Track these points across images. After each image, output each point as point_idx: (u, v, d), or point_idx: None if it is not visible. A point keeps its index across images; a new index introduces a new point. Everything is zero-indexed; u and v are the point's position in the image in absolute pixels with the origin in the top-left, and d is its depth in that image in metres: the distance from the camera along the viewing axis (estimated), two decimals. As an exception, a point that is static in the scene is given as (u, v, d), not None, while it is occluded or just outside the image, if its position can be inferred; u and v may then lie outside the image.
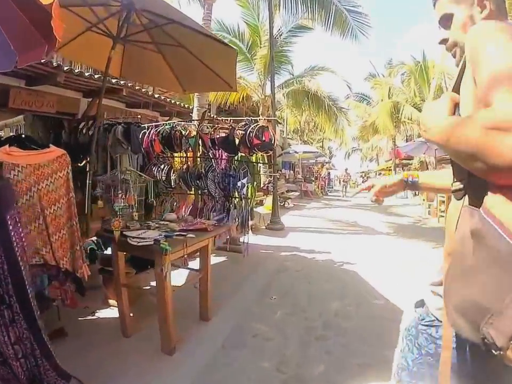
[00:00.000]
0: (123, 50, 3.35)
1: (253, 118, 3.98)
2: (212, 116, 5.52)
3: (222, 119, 4.08)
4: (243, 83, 11.08)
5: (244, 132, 3.86)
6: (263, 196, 9.41)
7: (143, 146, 4.23)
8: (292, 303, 3.24)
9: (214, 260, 4.44)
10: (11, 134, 5.45)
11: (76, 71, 4.16)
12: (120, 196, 2.79)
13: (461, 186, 0.80)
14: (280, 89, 12.48)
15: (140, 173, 3.48)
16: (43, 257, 2.13)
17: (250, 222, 4.21)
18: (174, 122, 4.34)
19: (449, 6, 0.93)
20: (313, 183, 16.63)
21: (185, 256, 2.36)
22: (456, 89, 0.81)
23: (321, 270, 4.39)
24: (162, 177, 4.31)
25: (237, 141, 3.93)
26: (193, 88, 4.02)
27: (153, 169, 4.35)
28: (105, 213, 5.42)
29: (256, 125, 3.84)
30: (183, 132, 4.28)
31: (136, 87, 5.20)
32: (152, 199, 3.62)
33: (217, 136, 4.21)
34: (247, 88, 11.11)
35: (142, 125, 4.40)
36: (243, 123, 3.95)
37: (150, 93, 5.59)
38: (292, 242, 5.89)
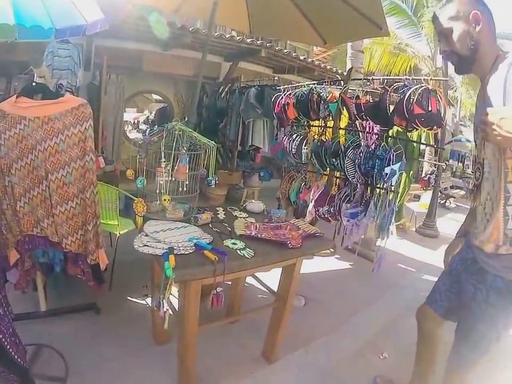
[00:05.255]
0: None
1: (415, 78, 2.85)
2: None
3: (372, 79, 3.08)
4: (410, 51, 9.42)
5: (400, 97, 2.83)
6: (422, 189, 7.59)
7: (275, 111, 3.73)
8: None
9: (333, 264, 3.72)
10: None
11: (216, 34, 3.98)
12: (164, 165, 1.92)
13: None
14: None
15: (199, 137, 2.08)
16: (43, 230, 1.80)
17: (392, 226, 3.17)
18: (314, 84, 3.62)
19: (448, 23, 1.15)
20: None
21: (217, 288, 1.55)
22: None
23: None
24: (292, 150, 3.70)
25: (391, 109, 2.94)
26: (335, 38, 3.13)
27: (283, 138, 3.84)
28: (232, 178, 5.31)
29: (420, 87, 2.74)
30: (325, 95, 3.47)
31: (277, 48, 4.70)
32: (211, 178, 2.14)
33: (365, 101, 3.25)
34: (414, 57, 9.31)
35: (278, 88, 3.90)
36: (400, 84, 2.88)
37: (294, 55, 4.99)
38: (442, 260, 4.19)
